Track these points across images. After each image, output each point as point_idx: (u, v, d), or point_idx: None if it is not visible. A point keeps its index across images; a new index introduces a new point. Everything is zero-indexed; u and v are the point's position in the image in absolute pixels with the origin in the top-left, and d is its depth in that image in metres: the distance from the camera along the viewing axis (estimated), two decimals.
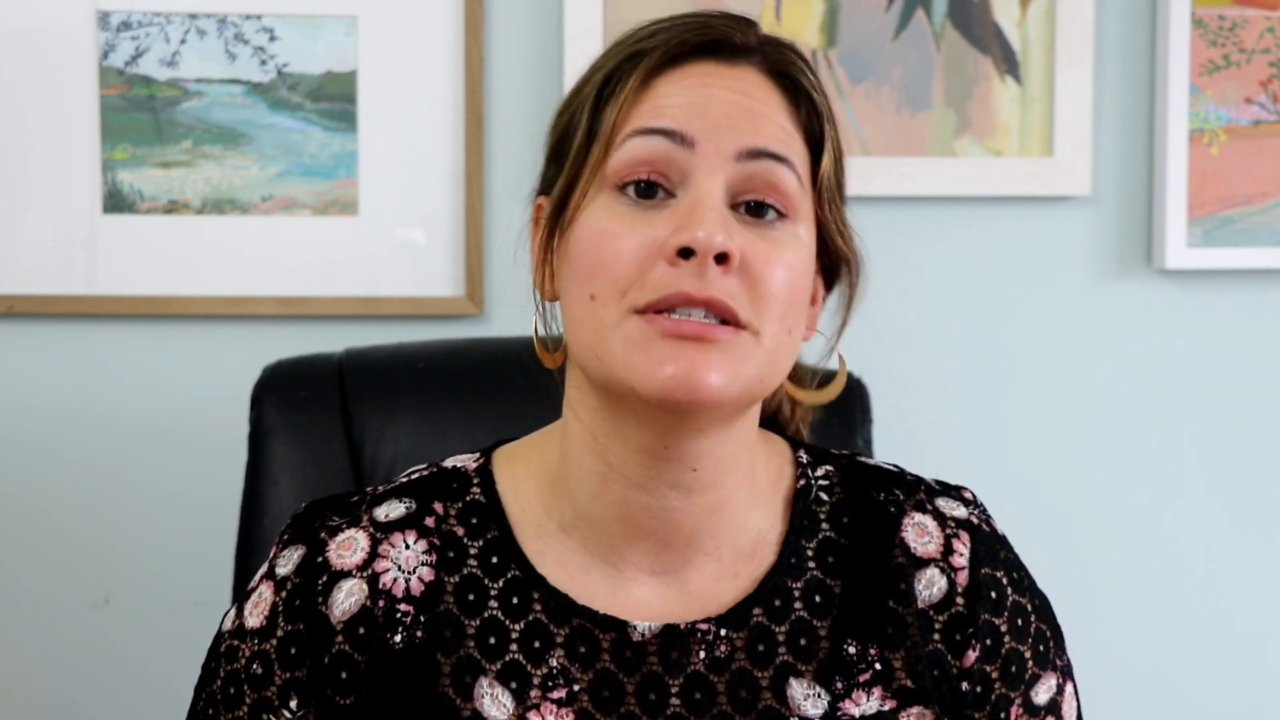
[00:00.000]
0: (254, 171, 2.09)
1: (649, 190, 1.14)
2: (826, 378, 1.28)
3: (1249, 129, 2.17)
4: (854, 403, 1.79)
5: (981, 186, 2.15)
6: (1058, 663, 1.26)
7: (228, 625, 1.24)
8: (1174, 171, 2.15)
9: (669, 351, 1.10)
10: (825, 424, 1.75)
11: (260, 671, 1.20)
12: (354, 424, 1.72)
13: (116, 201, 2.08)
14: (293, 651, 1.19)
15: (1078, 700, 1.27)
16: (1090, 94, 2.14)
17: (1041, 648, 1.24)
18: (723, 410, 1.14)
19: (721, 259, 1.11)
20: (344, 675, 1.18)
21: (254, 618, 1.21)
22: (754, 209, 1.15)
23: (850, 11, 2.13)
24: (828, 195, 1.19)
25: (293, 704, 1.19)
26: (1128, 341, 2.20)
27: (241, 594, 1.25)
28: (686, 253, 1.11)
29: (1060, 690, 1.25)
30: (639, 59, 1.17)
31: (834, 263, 1.23)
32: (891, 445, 1.92)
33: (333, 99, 2.09)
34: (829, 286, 1.24)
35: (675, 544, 1.19)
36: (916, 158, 2.14)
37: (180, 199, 2.09)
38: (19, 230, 2.08)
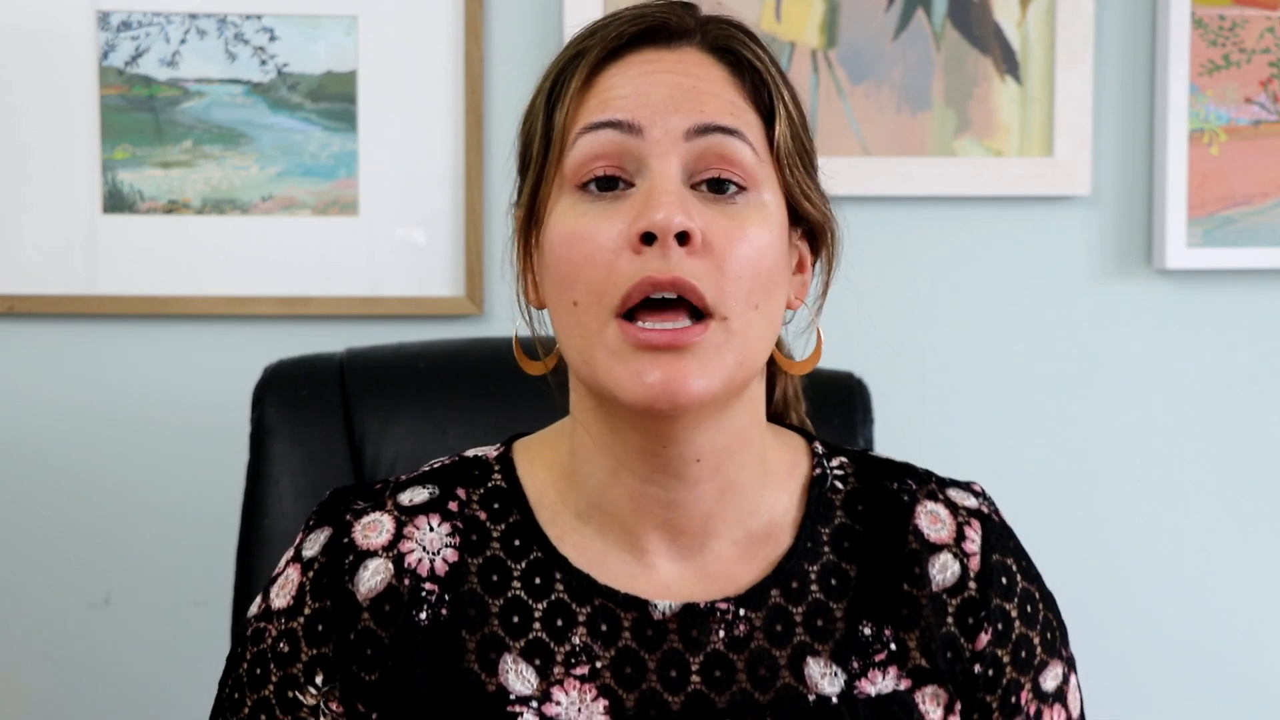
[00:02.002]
0: (254, 171, 2.09)
1: (608, 184, 1.16)
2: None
3: (1249, 129, 2.17)
4: (855, 402, 1.79)
5: (981, 186, 2.15)
6: (1064, 653, 1.28)
7: (253, 611, 1.25)
8: (1174, 171, 2.15)
9: (645, 363, 1.13)
10: (826, 423, 1.75)
11: (287, 649, 1.22)
12: (355, 424, 1.72)
13: (116, 201, 2.08)
14: (319, 628, 1.21)
15: (1081, 695, 1.30)
16: (1090, 94, 2.14)
17: (1049, 635, 1.27)
18: (709, 408, 1.16)
19: (683, 239, 1.13)
20: (369, 652, 1.20)
21: (280, 599, 1.24)
22: (714, 185, 1.16)
23: (850, 11, 2.13)
24: (788, 161, 1.20)
25: (318, 680, 1.21)
26: (1128, 341, 2.20)
27: (267, 581, 1.26)
28: (649, 238, 1.13)
29: (1066, 680, 1.28)
30: (581, 57, 1.19)
31: (814, 229, 1.24)
32: (892, 445, 1.92)
33: (333, 99, 2.09)
34: (815, 252, 1.26)
35: (690, 530, 1.22)
36: (916, 158, 2.14)
37: (180, 199, 2.09)
38: (19, 230, 2.08)
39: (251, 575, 1.68)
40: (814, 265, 1.26)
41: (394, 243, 2.11)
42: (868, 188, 2.14)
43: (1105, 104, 2.17)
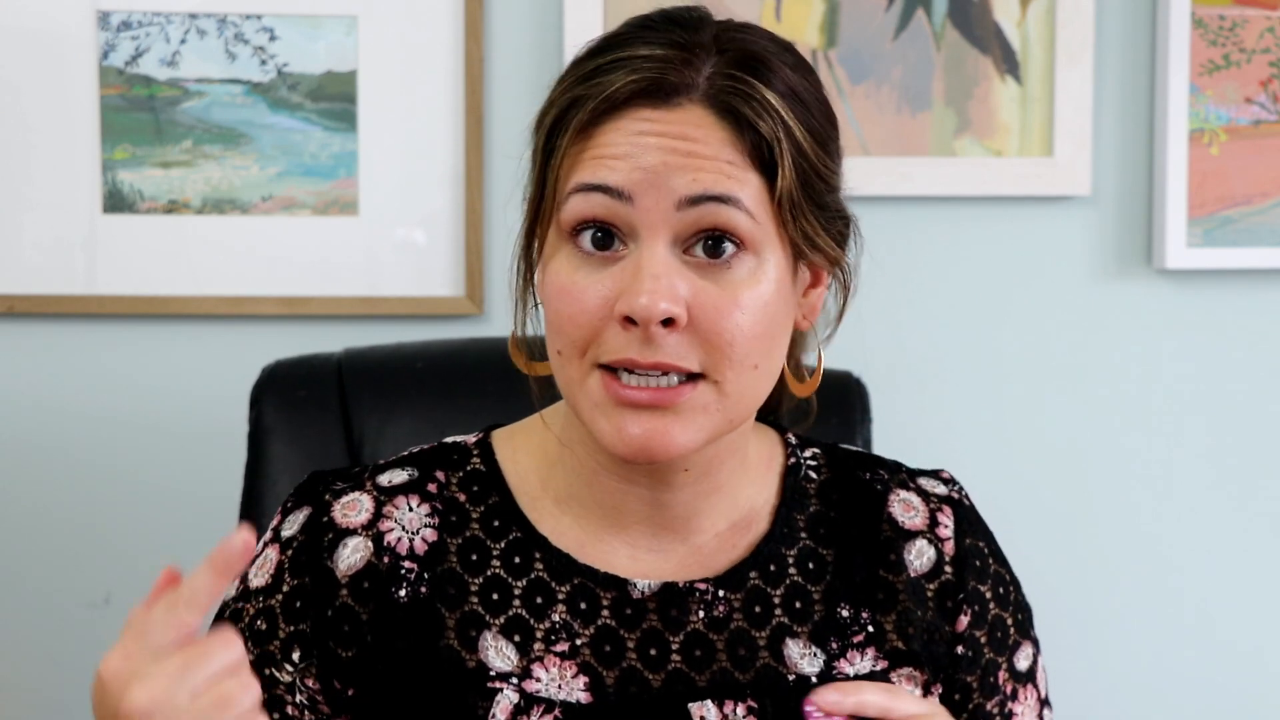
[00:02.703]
0: (254, 171, 2.09)
1: (605, 240, 1.15)
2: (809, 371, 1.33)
3: (1249, 129, 2.17)
4: (853, 402, 1.79)
5: (981, 186, 2.15)
6: (1032, 634, 1.32)
7: (230, 594, 1.26)
8: (1174, 171, 2.15)
9: (627, 419, 1.14)
10: (825, 423, 1.74)
11: (265, 627, 1.22)
12: (353, 424, 1.72)
13: (116, 201, 2.08)
14: (297, 605, 1.22)
15: (1046, 677, 1.33)
16: (1090, 94, 2.14)
17: (1020, 617, 1.31)
18: (693, 457, 1.18)
19: (668, 321, 1.13)
20: (346, 628, 1.21)
21: (259, 578, 1.24)
22: (710, 247, 1.15)
23: (850, 11, 2.13)
24: (791, 213, 1.16)
25: (295, 656, 1.22)
26: (1128, 341, 2.20)
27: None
28: (633, 320, 1.13)
29: (1035, 661, 1.31)
30: (577, 108, 1.16)
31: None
32: (890, 445, 1.92)
33: (333, 99, 2.09)
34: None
35: (673, 526, 1.23)
36: (916, 158, 2.14)
37: (180, 199, 2.09)
38: (19, 230, 2.08)
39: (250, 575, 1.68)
40: (828, 278, 1.24)
41: (394, 243, 2.11)
42: (868, 188, 2.13)
43: (1105, 104, 2.17)
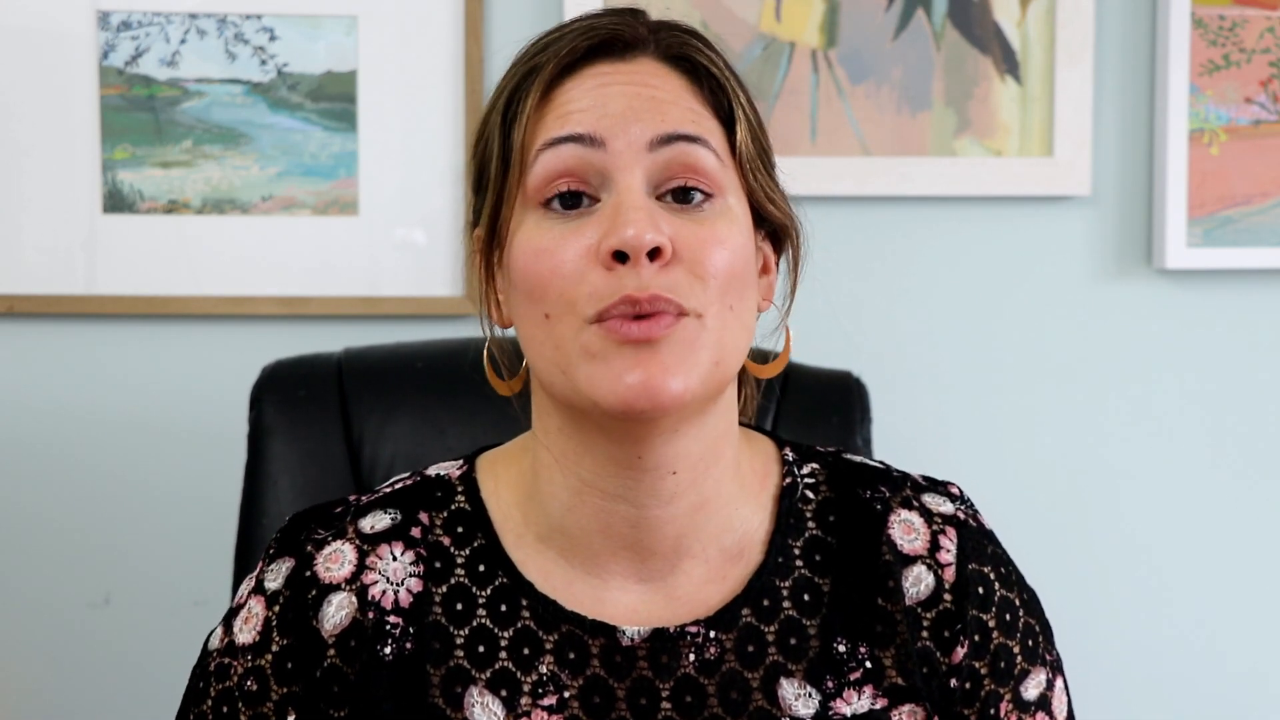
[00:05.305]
0: (254, 171, 2.09)
1: (573, 200, 1.14)
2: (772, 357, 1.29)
3: (1249, 129, 2.17)
4: (853, 402, 1.79)
5: (981, 186, 2.15)
6: (1047, 658, 1.25)
7: (215, 644, 1.23)
8: (1174, 171, 2.15)
9: (626, 361, 1.11)
10: (826, 423, 1.75)
11: (255, 688, 1.20)
12: (353, 424, 1.72)
13: (116, 201, 2.08)
14: (289, 666, 1.19)
15: (1068, 695, 1.26)
16: (1090, 94, 2.14)
17: (1030, 643, 1.24)
18: (688, 409, 1.14)
19: (654, 254, 1.11)
20: (335, 689, 1.18)
21: (245, 634, 1.21)
22: (679, 195, 1.15)
23: (850, 11, 2.13)
24: (750, 165, 1.18)
25: (290, 718, 1.19)
26: (1128, 341, 2.20)
27: (227, 612, 1.24)
28: (620, 255, 1.11)
29: (1050, 685, 1.24)
30: (535, 74, 1.17)
31: (777, 229, 1.23)
32: (890, 445, 1.92)
33: (333, 99, 2.09)
34: (779, 253, 1.24)
35: (661, 551, 1.19)
36: (916, 158, 2.14)
37: (180, 199, 2.09)
38: (19, 230, 2.08)
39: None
40: (778, 265, 1.24)
41: (394, 243, 2.11)
42: (868, 188, 2.14)
43: (1105, 104, 2.17)
